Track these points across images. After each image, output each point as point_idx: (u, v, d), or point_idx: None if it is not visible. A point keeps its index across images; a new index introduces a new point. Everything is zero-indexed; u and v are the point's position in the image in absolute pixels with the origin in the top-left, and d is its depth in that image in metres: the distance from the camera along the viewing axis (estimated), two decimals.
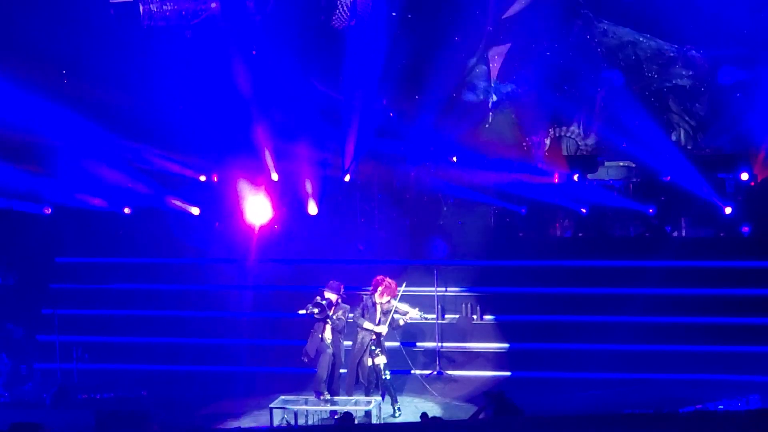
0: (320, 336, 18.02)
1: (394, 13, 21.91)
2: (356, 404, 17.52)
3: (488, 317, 20.92)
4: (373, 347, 18.11)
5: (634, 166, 22.31)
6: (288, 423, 17.08)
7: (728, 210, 20.86)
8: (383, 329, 18.10)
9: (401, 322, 18.35)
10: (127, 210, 21.65)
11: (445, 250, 21.16)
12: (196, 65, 21.68)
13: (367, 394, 18.05)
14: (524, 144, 22.47)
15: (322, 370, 17.90)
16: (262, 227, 21.48)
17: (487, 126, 22.81)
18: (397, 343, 19.07)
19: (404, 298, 18.53)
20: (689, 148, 20.17)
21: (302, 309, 18.08)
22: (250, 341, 20.86)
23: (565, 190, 21.72)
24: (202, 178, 21.92)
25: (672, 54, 20.80)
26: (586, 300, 20.35)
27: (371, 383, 18.14)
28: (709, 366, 19.52)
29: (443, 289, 20.92)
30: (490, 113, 22.80)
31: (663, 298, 20.20)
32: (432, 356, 20.68)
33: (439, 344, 20.69)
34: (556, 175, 21.87)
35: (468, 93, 22.87)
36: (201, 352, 21.02)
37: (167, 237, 21.45)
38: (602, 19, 21.06)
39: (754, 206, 21.01)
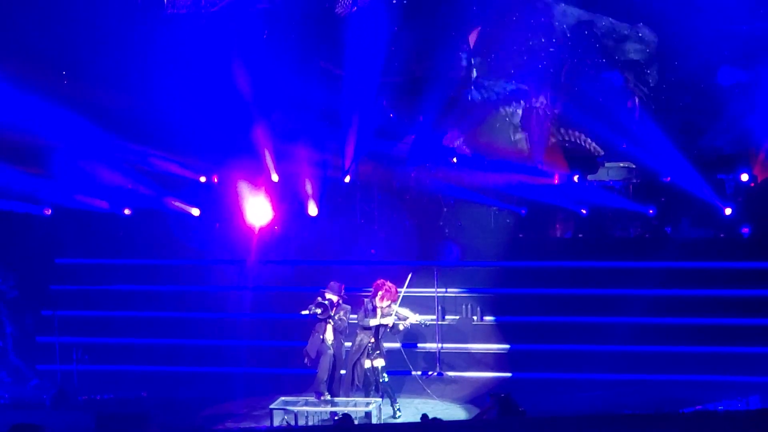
0: (321, 337, 18.01)
1: (394, 0, 21.99)
2: (356, 405, 17.52)
3: (488, 318, 20.91)
4: (371, 350, 18.10)
5: (634, 167, 22.33)
6: (288, 424, 17.08)
7: (728, 211, 20.86)
8: (390, 320, 18.05)
9: (401, 327, 18.34)
10: (127, 211, 21.65)
11: (450, 254, 21.15)
12: (204, 60, 21.68)
13: (366, 396, 18.05)
14: (525, 144, 22.50)
15: (323, 371, 17.90)
16: (262, 228, 21.47)
17: (486, 125, 22.83)
18: (398, 345, 19.06)
19: (404, 300, 18.54)
20: (647, 113, 21.41)
21: (305, 309, 18.08)
22: (250, 342, 20.84)
23: (565, 191, 21.73)
24: (202, 179, 21.92)
25: (626, 32, 21.40)
26: (587, 301, 20.33)
27: (369, 385, 18.13)
28: (710, 367, 19.51)
29: (443, 290, 20.90)
30: (491, 112, 22.84)
31: (663, 299, 20.19)
32: (432, 357, 20.67)
33: (440, 345, 20.68)
34: (556, 176, 21.88)
35: (468, 91, 22.91)
36: (201, 353, 21.01)
37: (167, 238, 21.44)
38: (560, 1, 22.05)
39: (754, 207, 21.01)
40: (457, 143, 22.18)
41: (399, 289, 18.34)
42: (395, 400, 18.24)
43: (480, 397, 18.84)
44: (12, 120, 20.56)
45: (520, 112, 22.19)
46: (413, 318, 18.41)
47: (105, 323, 21.27)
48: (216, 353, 20.96)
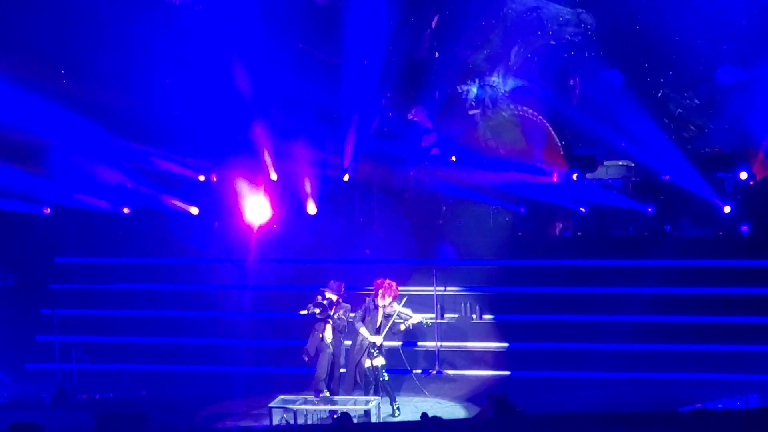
0: (321, 335, 18.01)
1: None
2: (356, 404, 17.52)
3: (487, 317, 20.91)
4: (372, 349, 18.10)
5: (633, 165, 22.34)
6: (287, 422, 17.08)
7: (727, 209, 20.88)
8: (378, 339, 18.07)
9: (402, 327, 18.34)
10: (126, 210, 21.66)
11: (452, 254, 21.18)
12: (202, 58, 21.68)
13: (366, 394, 18.05)
14: (524, 144, 22.52)
15: (322, 369, 17.90)
16: (261, 227, 21.47)
17: (485, 124, 22.84)
18: (398, 343, 19.06)
19: (403, 298, 18.55)
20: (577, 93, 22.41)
21: (303, 309, 18.07)
22: (250, 341, 20.84)
23: (564, 190, 21.75)
24: (201, 178, 21.93)
25: (568, 17, 22.40)
26: (586, 299, 20.34)
27: (370, 384, 18.13)
28: (709, 365, 19.52)
29: (442, 288, 20.90)
30: (490, 110, 22.86)
31: (662, 298, 20.19)
32: (431, 356, 20.67)
33: (439, 344, 20.68)
34: (555, 175, 21.89)
35: (466, 89, 22.95)
36: (200, 352, 21.01)
37: (166, 237, 21.44)
38: None
39: (753, 205, 21.02)
40: (411, 114, 22.42)
41: (398, 287, 18.33)
42: (394, 398, 18.25)
43: (479, 395, 18.84)
44: (11, 119, 20.55)
45: (475, 90, 22.60)
46: (416, 318, 18.41)
47: (104, 322, 21.27)
48: (215, 352, 20.96)
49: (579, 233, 22.15)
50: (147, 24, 21.62)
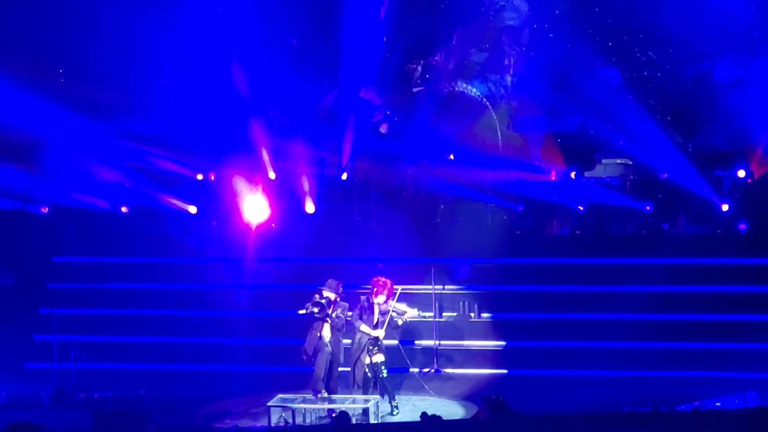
0: (319, 334, 18.00)
1: None
2: (354, 402, 17.52)
3: (485, 315, 20.91)
4: (371, 347, 18.11)
5: (631, 163, 22.33)
6: (286, 421, 17.09)
7: (725, 207, 20.87)
8: (380, 333, 18.08)
9: (399, 322, 18.33)
10: (124, 209, 21.65)
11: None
12: (201, 57, 21.68)
13: (365, 393, 18.05)
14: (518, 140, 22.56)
15: (320, 368, 17.88)
16: (259, 226, 21.47)
17: (483, 122, 22.86)
18: (396, 342, 19.06)
19: (402, 297, 18.54)
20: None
21: (302, 309, 18.06)
22: (248, 340, 20.84)
23: (562, 188, 21.75)
24: (199, 177, 21.92)
25: (503, 3, 23.26)
26: (584, 297, 20.35)
27: (369, 381, 18.13)
28: (707, 363, 19.51)
29: (441, 286, 20.90)
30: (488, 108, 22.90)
31: (660, 296, 20.21)
32: (430, 354, 20.67)
33: (437, 342, 20.68)
34: (553, 173, 21.89)
35: (465, 87, 22.98)
36: (199, 351, 20.99)
37: (164, 236, 21.44)
38: None
39: (751, 203, 21.02)
40: (362, 93, 22.55)
41: (395, 287, 18.32)
42: (393, 396, 18.25)
43: (477, 393, 18.82)
44: (9, 118, 20.54)
45: (420, 69, 23.09)
46: (411, 312, 18.40)
47: (103, 321, 21.26)
48: (214, 351, 20.95)
49: (577, 231, 22.15)
50: (145, 23, 21.59)
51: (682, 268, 20.23)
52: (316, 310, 17.91)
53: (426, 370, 20.34)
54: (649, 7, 21.91)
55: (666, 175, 21.48)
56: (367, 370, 18.07)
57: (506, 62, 23.25)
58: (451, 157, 22.36)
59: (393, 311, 18.19)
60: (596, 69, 22.27)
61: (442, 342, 20.75)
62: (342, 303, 18.20)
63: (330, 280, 18.31)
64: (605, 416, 12.87)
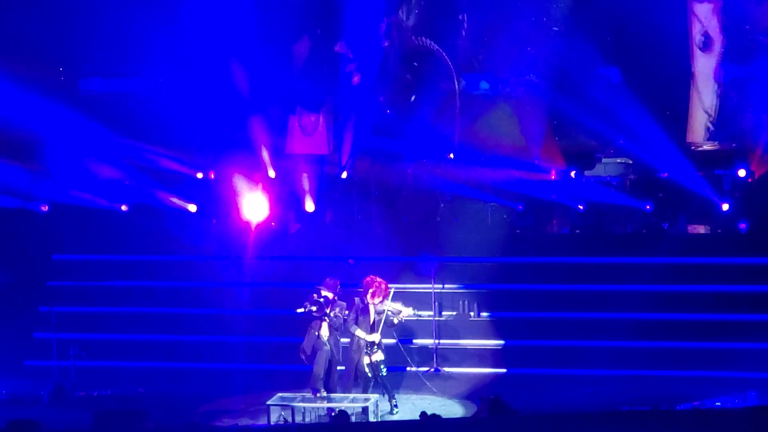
0: (317, 333, 17.98)
1: None
2: (353, 401, 17.52)
3: (485, 314, 20.92)
4: (369, 346, 18.07)
5: (631, 162, 22.32)
6: (285, 420, 17.08)
7: (725, 206, 20.87)
8: (376, 337, 18.05)
9: (395, 321, 18.30)
10: (124, 207, 21.65)
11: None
12: (201, 55, 21.67)
13: (365, 391, 18.04)
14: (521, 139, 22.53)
15: (319, 367, 17.87)
16: (258, 224, 21.47)
17: (484, 120, 22.84)
18: (395, 340, 19.06)
19: (402, 296, 18.53)
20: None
21: (300, 307, 18.04)
22: (247, 338, 20.84)
23: (562, 187, 21.74)
24: (199, 175, 21.92)
25: None
26: (583, 297, 20.35)
27: (369, 380, 18.12)
28: (707, 363, 19.52)
29: (440, 286, 20.90)
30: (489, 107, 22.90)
31: (660, 295, 20.21)
32: (429, 353, 20.67)
33: (436, 341, 20.69)
34: (553, 172, 21.88)
35: (465, 85, 22.97)
36: (198, 349, 21.01)
37: (164, 234, 21.44)
38: None
39: (752, 203, 21.02)
40: (337, 47, 22.57)
41: (390, 286, 18.28)
42: (393, 395, 18.24)
43: (477, 392, 18.82)
44: (8, 116, 20.53)
45: (383, 26, 22.94)
46: (406, 311, 18.37)
47: (102, 319, 21.26)
48: (213, 349, 20.96)
49: (577, 230, 22.15)
50: (144, 21, 21.58)
51: (681, 268, 20.24)
52: (314, 309, 17.90)
53: (425, 369, 20.33)
54: (647, 6, 21.90)
55: (666, 174, 21.47)
56: (366, 369, 18.06)
57: (460, 18, 22.88)
58: (451, 156, 22.34)
59: (389, 311, 18.16)
60: (596, 68, 22.25)
61: (441, 341, 20.75)
62: (340, 302, 18.17)
63: (328, 279, 18.28)
64: (604, 415, 12.86)
